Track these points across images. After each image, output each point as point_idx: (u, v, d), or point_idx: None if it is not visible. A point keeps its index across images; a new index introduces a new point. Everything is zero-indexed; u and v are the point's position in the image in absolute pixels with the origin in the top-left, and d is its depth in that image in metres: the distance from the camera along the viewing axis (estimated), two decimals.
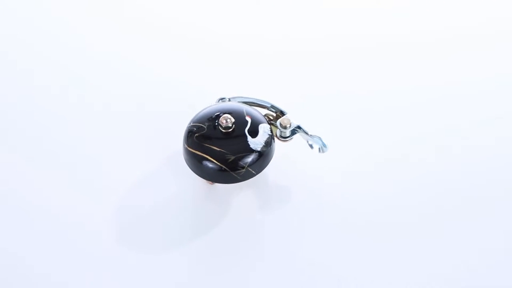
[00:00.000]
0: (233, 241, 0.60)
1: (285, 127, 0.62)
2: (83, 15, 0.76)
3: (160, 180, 0.63)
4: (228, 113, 0.59)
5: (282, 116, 0.63)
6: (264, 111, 0.63)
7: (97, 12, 0.76)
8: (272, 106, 0.63)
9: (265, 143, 0.59)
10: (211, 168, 0.58)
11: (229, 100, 0.62)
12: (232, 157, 0.58)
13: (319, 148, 0.62)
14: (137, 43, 0.73)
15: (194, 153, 0.58)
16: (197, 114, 0.60)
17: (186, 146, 0.59)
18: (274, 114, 0.63)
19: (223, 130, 0.59)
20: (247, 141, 0.59)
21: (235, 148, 0.58)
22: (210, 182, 0.61)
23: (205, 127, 0.59)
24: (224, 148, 0.58)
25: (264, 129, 0.60)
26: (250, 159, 0.58)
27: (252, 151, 0.58)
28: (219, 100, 0.62)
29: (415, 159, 0.64)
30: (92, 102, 0.69)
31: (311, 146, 0.62)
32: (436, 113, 0.67)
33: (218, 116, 0.59)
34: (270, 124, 0.61)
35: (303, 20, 0.76)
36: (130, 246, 0.60)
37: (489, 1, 0.76)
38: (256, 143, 0.59)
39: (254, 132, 0.59)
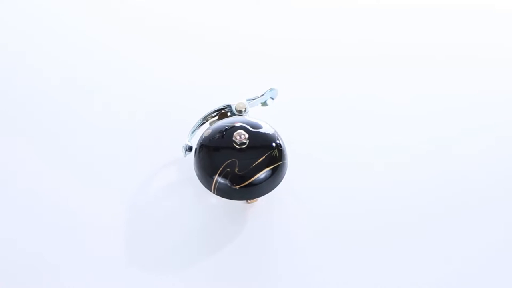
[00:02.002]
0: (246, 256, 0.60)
1: (241, 111, 0.62)
2: (90, 18, 0.76)
3: (169, 190, 0.63)
4: (228, 131, 0.59)
5: (222, 112, 0.62)
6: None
7: (101, 14, 0.76)
8: (206, 118, 0.62)
9: (267, 124, 0.61)
10: (276, 174, 0.58)
11: (190, 143, 0.61)
12: (276, 151, 0.59)
13: (272, 98, 0.64)
14: (140, 46, 0.74)
15: (250, 182, 0.58)
16: (208, 159, 0.58)
17: (235, 187, 0.57)
18: (217, 117, 0.63)
19: (242, 146, 0.58)
20: (267, 133, 0.59)
21: (267, 144, 0.59)
22: (254, 200, 0.61)
23: (235, 159, 0.58)
24: (263, 153, 0.58)
25: (258, 121, 0.61)
26: (281, 141, 0.60)
27: (276, 137, 0.59)
28: (186, 151, 0.60)
29: (410, 164, 0.65)
30: (103, 105, 0.69)
31: (271, 98, 0.64)
32: (431, 118, 0.68)
33: (231, 138, 0.58)
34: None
35: (306, 24, 0.76)
36: (137, 253, 0.60)
37: (493, 17, 0.77)
38: (269, 129, 0.60)
39: (257, 126, 0.60)
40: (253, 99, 0.64)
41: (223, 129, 0.59)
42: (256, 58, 0.73)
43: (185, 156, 0.61)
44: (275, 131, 0.60)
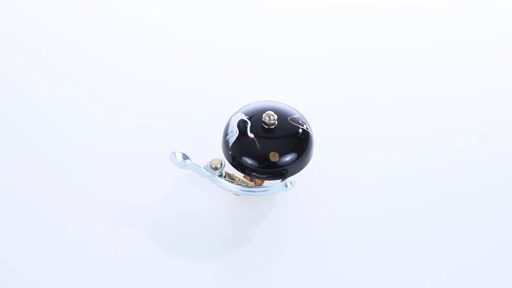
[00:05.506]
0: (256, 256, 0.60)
1: (216, 168, 0.60)
2: (93, 21, 0.75)
3: (182, 193, 0.63)
4: (254, 116, 0.60)
5: (224, 173, 0.61)
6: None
7: (110, 20, 0.76)
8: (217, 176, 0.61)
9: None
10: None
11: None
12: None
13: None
14: (142, 48, 0.74)
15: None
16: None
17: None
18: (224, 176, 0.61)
19: (271, 126, 0.60)
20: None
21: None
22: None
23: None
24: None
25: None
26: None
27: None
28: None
29: (415, 158, 0.66)
30: (112, 114, 0.69)
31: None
32: (436, 113, 0.69)
33: (264, 121, 0.60)
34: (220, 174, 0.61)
35: (307, 22, 0.77)
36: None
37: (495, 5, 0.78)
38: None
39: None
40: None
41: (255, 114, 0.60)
42: (257, 58, 0.74)
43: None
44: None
